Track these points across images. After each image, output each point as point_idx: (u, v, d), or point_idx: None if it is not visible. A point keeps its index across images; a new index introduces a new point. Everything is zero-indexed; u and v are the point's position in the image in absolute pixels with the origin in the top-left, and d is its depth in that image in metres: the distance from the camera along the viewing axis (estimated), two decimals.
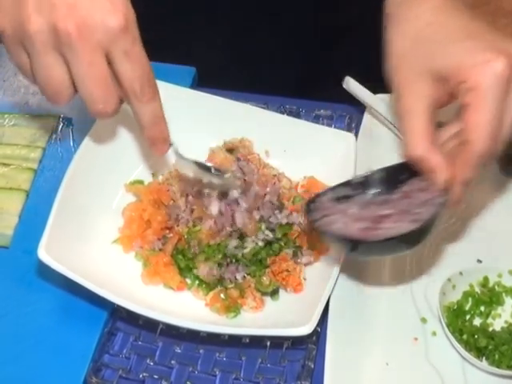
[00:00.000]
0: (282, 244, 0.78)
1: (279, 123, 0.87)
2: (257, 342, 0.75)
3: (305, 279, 0.78)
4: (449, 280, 0.77)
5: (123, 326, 0.77)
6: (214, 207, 0.77)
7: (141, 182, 0.85)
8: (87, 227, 0.79)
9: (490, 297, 0.77)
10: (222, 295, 0.77)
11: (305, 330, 0.69)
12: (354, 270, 0.79)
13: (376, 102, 0.91)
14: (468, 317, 0.77)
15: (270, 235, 0.77)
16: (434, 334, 0.76)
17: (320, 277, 0.76)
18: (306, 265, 0.79)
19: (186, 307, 0.76)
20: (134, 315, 0.74)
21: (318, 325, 0.71)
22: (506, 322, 0.77)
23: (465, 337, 0.74)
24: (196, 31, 1.01)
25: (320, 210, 0.72)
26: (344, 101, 0.94)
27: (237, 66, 1.03)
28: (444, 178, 0.67)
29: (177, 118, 0.86)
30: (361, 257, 0.77)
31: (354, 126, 0.92)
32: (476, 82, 0.64)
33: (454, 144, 0.69)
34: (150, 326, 0.76)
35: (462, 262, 0.80)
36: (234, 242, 0.77)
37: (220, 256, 0.76)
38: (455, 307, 0.77)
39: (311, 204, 0.72)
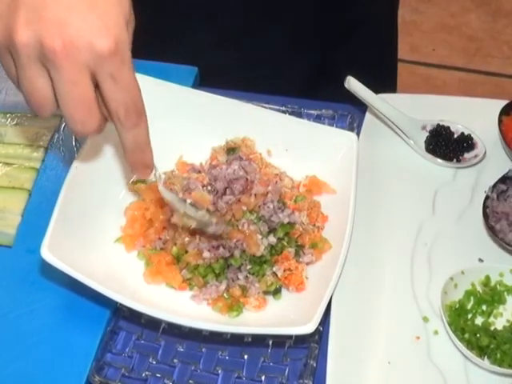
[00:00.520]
0: (284, 243, 0.78)
1: (281, 123, 0.88)
2: (259, 340, 0.75)
3: (307, 278, 0.78)
4: (451, 279, 0.77)
5: (126, 324, 0.77)
6: (206, 253, 0.77)
7: (143, 182, 0.85)
8: (90, 226, 0.80)
9: (491, 296, 0.78)
10: (225, 294, 0.77)
11: (307, 328, 0.70)
12: (356, 269, 0.79)
13: (378, 101, 0.91)
14: (470, 316, 0.77)
15: (274, 240, 0.77)
16: (436, 332, 0.76)
17: (322, 276, 0.77)
18: (308, 264, 0.79)
19: (188, 306, 0.76)
20: (137, 314, 0.74)
21: (320, 324, 0.71)
22: (507, 320, 0.77)
23: (467, 336, 0.74)
24: (198, 31, 1.01)
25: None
26: (346, 100, 0.94)
27: (239, 65, 1.03)
28: None
29: (179, 118, 0.87)
30: None
31: (355, 126, 0.92)
32: None
33: None
34: (152, 324, 0.76)
35: (463, 261, 0.80)
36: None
37: (212, 275, 0.77)
38: (457, 306, 0.77)
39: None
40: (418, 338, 0.76)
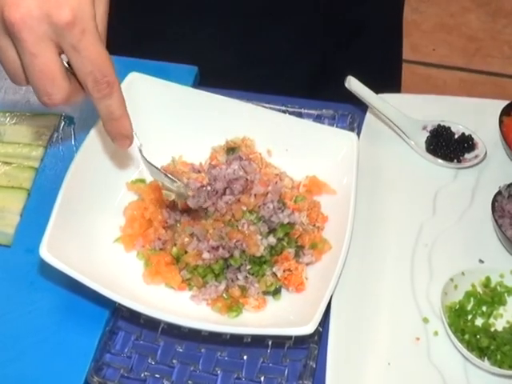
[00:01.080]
0: (284, 244, 0.78)
1: (281, 122, 0.87)
2: (258, 341, 0.75)
3: (306, 279, 0.78)
4: (451, 280, 0.77)
5: (125, 325, 0.77)
6: (206, 254, 0.77)
7: (142, 181, 0.85)
8: (89, 226, 0.79)
9: (491, 297, 0.77)
10: (224, 294, 0.77)
11: (307, 329, 0.69)
12: (356, 270, 0.79)
13: (378, 101, 0.91)
14: (470, 317, 0.77)
15: (274, 240, 0.77)
16: (436, 333, 0.76)
17: (322, 276, 0.76)
18: (307, 264, 0.79)
19: (187, 306, 0.76)
20: (136, 314, 0.74)
21: (319, 324, 0.71)
22: (507, 322, 0.77)
23: (467, 337, 0.74)
24: (199, 30, 1.01)
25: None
26: (346, 100, 0.94)
27: (239, 65, 1.02)
28: None
29: (179, 117, 0.87)
30: None
31: (356, 126, 0.92)
32: None
33: None
34: (151, 325, 0.76)
35: (464, 262, 0.80)
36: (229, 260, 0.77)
37: (211, 276, 0.77)
38: (457, 307, 0.77)
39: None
40: (418, 338, 0.76)
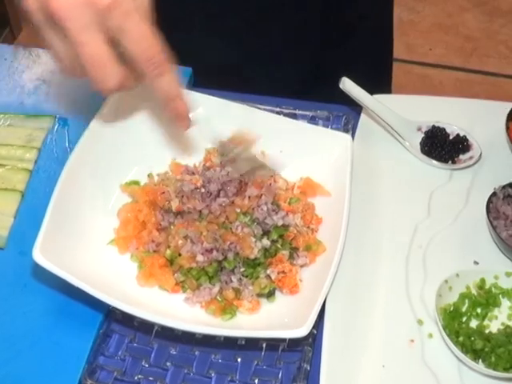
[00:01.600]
0: (278, 246, 0.78)
1: (276, 124, 0.87)
2: (252, 343, 0.75)
3: (301, 281, 0.78)
4: (445, 282, 0.77)
5: (118, 327, 0.77)
6: (200, 257, 0.76)
7: (136, 183, 0.85)
8: (83, 228, 0.79)
9: (486, 299, 0.77)
10: (218, 297, 0.76)
11: (301, 332, 0.69)
12: (350, 272, 0.79)
13: (373, 102, 0.91)
14: (464, 319, 0.77)
15: (268, 243, 0.77)
16: (431, 335, 0.76)
17: (316, 278, 0.76)
18: (301, 266, 0.79)
19: (181, 309, 0.76)
20: (129, 317, 0.73)
21: (314, 326, 0.70)
22: (502, 324, 0.77)
23: (461, 339, 0.74)
24: (192, 31, 1.01)
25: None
26: (341, 102, 0.93)
27: (232, 66, 1.02)
28: None
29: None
30: None
31: (350, 127, 0.92)
32: None
33: None
34: (145, 327, 0.76)
35: (458, 264, 0.80)
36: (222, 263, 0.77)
37: (205, 278, 0.76)
38: (452, 309, 0.77)
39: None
40: (413, 341, 0.75)
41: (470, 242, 0.83)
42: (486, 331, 0.76)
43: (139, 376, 0.73)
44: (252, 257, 0.76)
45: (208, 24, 1.01)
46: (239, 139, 0.78)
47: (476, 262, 0.81)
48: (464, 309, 0.77)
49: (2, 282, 0.79)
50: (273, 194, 0.80)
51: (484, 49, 2.44)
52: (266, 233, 0.78)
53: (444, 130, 0.92)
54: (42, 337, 0.75)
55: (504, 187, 0.84)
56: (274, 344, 0.75)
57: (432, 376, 0.73)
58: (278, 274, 0.77)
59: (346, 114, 0.93)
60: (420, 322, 0.77)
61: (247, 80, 0.97)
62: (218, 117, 0.87)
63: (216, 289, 0.76)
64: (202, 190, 0.80)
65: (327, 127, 0.91)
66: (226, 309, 0.75)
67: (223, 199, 0.79)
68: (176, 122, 0.74)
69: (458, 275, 0.78)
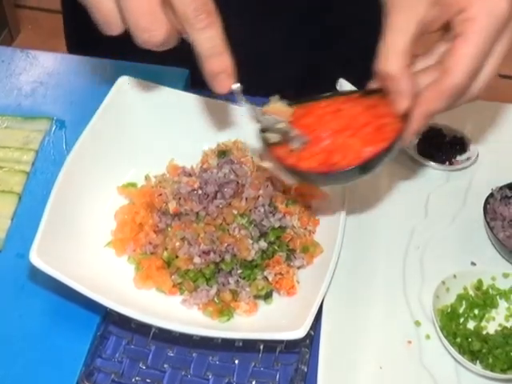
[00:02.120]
0: (276, 247, 0.78)
1: None
2: (250, 345, 0.75)
3: (298, 282, 0.78)
4: (443, 283, 0.77)
5: (116, 329, 0.76)
6: (197, 259, 0.76)
7: (133, 185, 0.85)
8: (80, 230, 0.79)
9: (483, 300, 0.77)
10: (215, 299, 0.76)
11: (298, 333, 0.69)
12: (348, 273, 0.79)
13: None
14: (462, 320, 0.77)
15: (265, 245, 0.77)
16: (428, 337, 0.76)
17: (313, 280, 0.76)
18: (299, 268, 0.79)
19: (178, 311, 0.76)
20: (127, 319, 0.73)
21: (311, 328, 0.70)
22: (499, 325, 0.77)
23: (458, 340, 0.74)
24: None
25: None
26: None
27: (240, 67, 1.02)
28: (407, 104, 0.66)
29: (170, 121, 0.87)
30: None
31: None
32: (477, 14, 0.63)
33: (425, 77, 0.68)
34: (142, 329, 0.76)
35: (455, 265, 0.80)
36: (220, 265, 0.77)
37: (202, 280, 0.76)
38: (449, 310, 0.77)
39: None
40: (410, 342, 0.75)
41: (468, 243, 0.83)
42: (484, 332, 0.76)
43: (137, 378, 0.73)
44: (249, 258, 0.76)
45: None
46: (274, 110, 0.76)
47: (473, 263, 0.81)
48: (461, 310, 0.77)
49: None
50: (270, 195, 0.80)
51: None
52: (263, 234, 0.78)
53: (441, 131, 0.92)
54: (39, 339, 0.75)
55: (501, 188, 0.84)
56: (271, 346, 0.75)
57: (429, 377, 0.73)
58: (275, 275, 0.77)
59: None
60: (417, 323, 0.77)
61: (245, 81, 0.96)
62: (216, 119, 0.87)
63: (213, 291, 0.76)
64: (199, 191, 0.80)
65: None
66: (224, 311, 0.75)
67: (220, 201, 0.79)
68: (216, 80, 0.70)
69: (455, 276, 0.78)
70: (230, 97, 0.90)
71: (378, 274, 0.80)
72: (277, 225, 0.78)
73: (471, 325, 0.77)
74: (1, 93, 0.97)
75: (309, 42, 1.04)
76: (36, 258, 0.71)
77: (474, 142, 0.91)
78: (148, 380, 0.73)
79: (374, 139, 0.67)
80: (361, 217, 0.84)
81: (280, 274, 0.77)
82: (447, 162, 0.90)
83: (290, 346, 0.75)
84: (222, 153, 0.85)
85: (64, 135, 0.93)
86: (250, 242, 0.76)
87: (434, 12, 0.66)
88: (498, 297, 0.78)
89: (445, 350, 0.74)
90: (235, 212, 0.78)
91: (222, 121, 0.87)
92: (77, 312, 0.77)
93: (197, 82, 0.97)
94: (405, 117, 0.68)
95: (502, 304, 0.78)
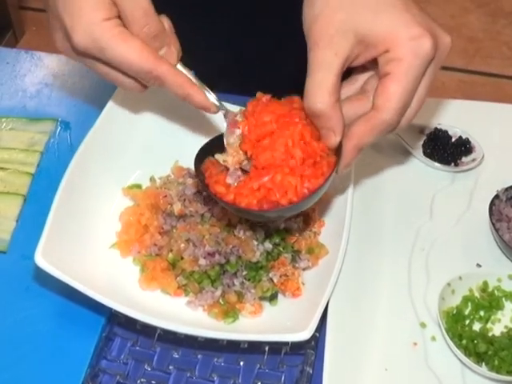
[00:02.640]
0: (281, 249, 0.78)
1: None
2: (255, 347, 0.75)
3: (303, 284, 0.77)
4: (448, 285, 0.77)
5: (121, 331, 0.77)
6: (202, 260, 0.76)
7: (138, 187, 0.85)
8: (85, 232, 0.79)
9: (489, 301, 0.77)
10: (220, 300, 0.76)
11: (303, 335, 0.69)
12: (353, 275, 0.79)
13: None
14: (467, 322, 0.76)
15: (270, 246, 0.77)
16: (434, 338, 0.75)
17: (318, 281, 0.76)
18: (304, 269, 0.78)
19: (183, 312, 0.76)
20: (132, 320, 0.73)
21: (316, 330, 0.70)
22: (505, 326, 0.76)
23: (464, 342, 0.74)
24: (193, 33, 1.01)
25: None
26: None
27: (235, 67, 1.02)
28: (338, 140, 0.67)
29: (175, 122, 0.87)
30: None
31: None
32: (403, 54, 0.65)
33: (351, 107, 0.69)
34: (147, 331, 0.76)
35: (461, 267, 0.80)
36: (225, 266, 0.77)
37: (207, 281, 0.76)
38: (454, 312, 0.76)
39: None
40: (416, 344, 0.75)
41: (473, 244, 0.83)
42: (489, 334, 0.76)
43: (142, 380, 0.73)
44: (254, 260, 0.76)
45: (201, 26, 1.01)
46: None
47: (479, 265, 0.81)
48: (467, 312, 0.77)
49: (5, 285, 0.79)
50: None
51: (487, 50, 2.44)
52: (268, 236, 0.78)
53: (446, 132, 0.92)
54: (45, 340, 0.75)
55: (507, 189, 0.84)
56: (276, 347, 0.75)
57: (435, 379, 0.73)
58: (281, 277, 0.77)
59: None
60: (423, 325, 0.76)
61: (249, 81, 0.96)
62: (221, 120, 0.87)
63: (218, 292, 0.76)
64: (204, 193, 0.80)
65: None
66: (229, 312, 0.75)
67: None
68: (203, 111, 0.74)
69: (460, 278, 0.78)
70: (235, 98, 0.90)
71: (384, 276, 0.80)
72: (282, 226, 0.78)
73: (477, 326, 0.76)
74: (6, 94, 0.97)
75: (302, 41, 1.04)
76: (41, 260, 0.71)
77: (480, 143, 0.91)
78: (153, 381, 0.73)
79: (311, 175, 0.67)
80: (366, 218, 0.84)
81: (285, 275, 0.77)
82: (452, 164, 0.90)
83: (296, 347, 0.74)
84: None
85: (69, 137, 0.93)
86: (255, 243, 0.76)
87: (358, 49, 0.67)
88: (503, 298, 0.78)
89: (450, 352, 0.74)
90: None
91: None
92: (82, 313, 0.77)
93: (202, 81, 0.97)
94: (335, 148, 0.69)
95: (508, 306, 0.78)
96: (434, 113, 0.95)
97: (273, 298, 0.77)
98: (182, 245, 0.77)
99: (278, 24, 1.01)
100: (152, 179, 0.85)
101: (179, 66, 0.73)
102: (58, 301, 0.78)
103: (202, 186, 0.73)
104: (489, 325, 0.77)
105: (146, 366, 0.74)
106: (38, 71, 1.01)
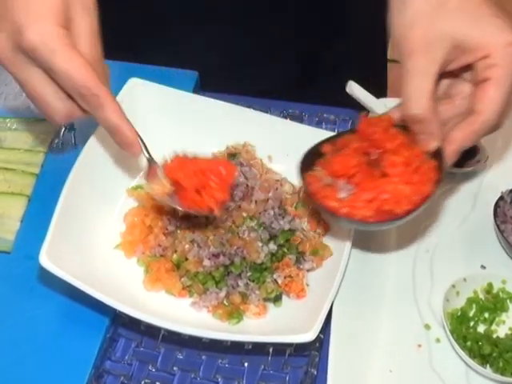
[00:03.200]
0: (285, 250, 0.78)
1: (282, 128, 0.87)
2: (259, 348, 0.75)
3: (307, 285, 0.77)
4: (453, 286, 0.77)
5: (125, 332, 0.77)
6: (206, 261, 0.76)
7: (143, 188, 0.84)
8: (89, 232, 0.79)
9: (494, 303, 0.77)
10: (225, 301, 0.76)
11: (308, 336, 0.69)
12: (357, 276, 0.79)
13: (379, 106, 0.90)
14: (472, 323, 0.76)
15: (275, 247, 0.77)
16: (438, 340, 0.75)
17: (323, 283, 0.76)
18: (308, 271, 0.78)
19: (187, 313, 0.76)
20: (136, 321, 0.73)
21: (320, 331, 0.70)
22: (510, 328, 0.76)
23: (469, 344, 0.74)
24: (191, 33, 1.01)
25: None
26: (347, 105, 0.93)
27: (236, 67, 1.02)
28: (438, 145, 0.71)
29: (179, 123, 0.87)
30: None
31: None
32: (501, 59, 0.68)
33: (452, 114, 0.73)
34: (151, 332, 0.76)
35: (465, 268, 0.80)
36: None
37: (212, 282, 0.76)
38: (459, 314, 0.76)
39: None
40: (420, 345, 0.75)
41: (477, 246, 0.83)
42: (494, 336, 0.75)
43: (146, 380, 0.73)
44: (259, 261, 0.76)
45: (200, 28, 1.01)
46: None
47: (483, 267, 0.81)
48: (471, 313, 0.77)
49: (9, 286, 0.79)
50: (279, 198, 0.80)
51: None
52: (272, 237, 0.78)
53: None
54: (49, 341, 0.75)
55: (511, 191, 0.84)
56: (280, 349, 0.75)
57: (440, 381, 0.73)
58: (285, 278, 0.77)
59: (353, 118, 0.93)
60: (427, 327, 0.76)
61: (239, 81, 0.96)
62: (225, 122, 0.87)
63: (223, 293, 0.76)
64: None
65: (334, 131, 0.91)
66: (233, 313, 0.75)
67: (230, 203, 0.79)
68: (124, 150, 0.73)
69: (465, 280, 0.77)
70: (239, 100, 0.90)
71: (388, 277, 0.80)
72: (286, 227, 0.78)
73: (481, 328, 0.76)
74: (10, 95, 0.97)
75: (300, 43, 1.04)
76: (45, 260, 0.71)
77: (484, 144, 0.91)
78: (157, 382, 0.73)
79: (419, 182, 0.71)
80: None
81: (289, 276, 0.77)
82: (457, 165, 0.90)
83: (300, 349, 0.74)
84: (232, 155, 0.85)
85: (73, 137, 0.93)
86: (260, 244, 0.76)
87: (454, 55, 0.70)
88: (508, 300, 0.78)
89: (455, 354, 0.74)
90: (245, 214, 0.78)
91: (231, 123, 0.87)
92: (86, 314, 0.77)
93: (206, 84, 0.98)
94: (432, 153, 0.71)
95: None
96: None
97: (277, 299, 0.77)
98: (187, 246, 0.77)
99: (277, 24, 1.01)
100: None
101: None
102: (63, 301, 0.78)
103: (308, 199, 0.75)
104: (493, 327, 0.76)
105: (150, 367, 0.74)
106: None
